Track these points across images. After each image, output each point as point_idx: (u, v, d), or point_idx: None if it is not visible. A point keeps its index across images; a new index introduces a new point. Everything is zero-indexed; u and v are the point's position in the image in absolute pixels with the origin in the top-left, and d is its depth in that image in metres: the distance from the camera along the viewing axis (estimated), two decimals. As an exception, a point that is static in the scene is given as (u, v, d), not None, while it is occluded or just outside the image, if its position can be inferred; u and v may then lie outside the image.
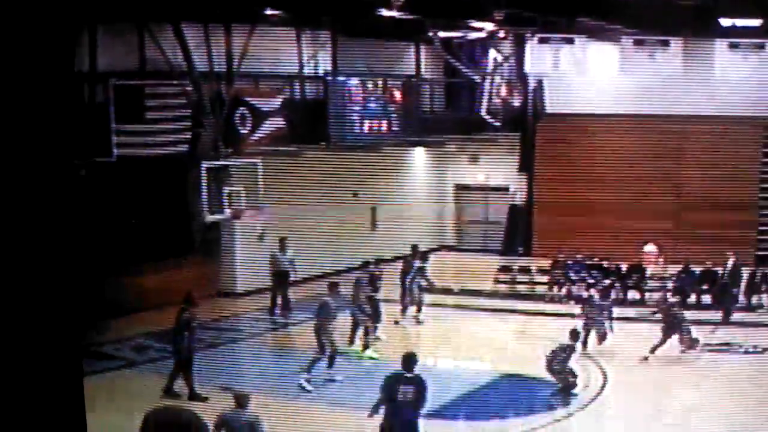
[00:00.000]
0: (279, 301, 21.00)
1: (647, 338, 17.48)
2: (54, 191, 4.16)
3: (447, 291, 22.17)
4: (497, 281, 23.61)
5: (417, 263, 20.45)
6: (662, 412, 14.59)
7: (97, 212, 17.63)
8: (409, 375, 11.37)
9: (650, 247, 23.43)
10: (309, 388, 15.68)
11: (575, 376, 15.63)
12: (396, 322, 19.83)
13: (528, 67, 26.05)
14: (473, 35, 24.72)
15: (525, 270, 23.71)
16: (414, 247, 21.05)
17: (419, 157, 28.39)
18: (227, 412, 10.91)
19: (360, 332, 18.04)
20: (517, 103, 26.85)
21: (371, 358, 17.44)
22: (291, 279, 20.97)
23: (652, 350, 17.17)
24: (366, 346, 17.84)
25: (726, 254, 21.14)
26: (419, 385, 11.35)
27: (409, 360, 11.56)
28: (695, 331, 17.63)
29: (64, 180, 4.22)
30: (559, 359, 15.50)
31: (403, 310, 20.21)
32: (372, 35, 24.34)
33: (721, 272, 21.18)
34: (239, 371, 16.76)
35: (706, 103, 23.14)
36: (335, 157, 22.62)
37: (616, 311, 18.64)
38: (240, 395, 11.21)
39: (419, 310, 20.26)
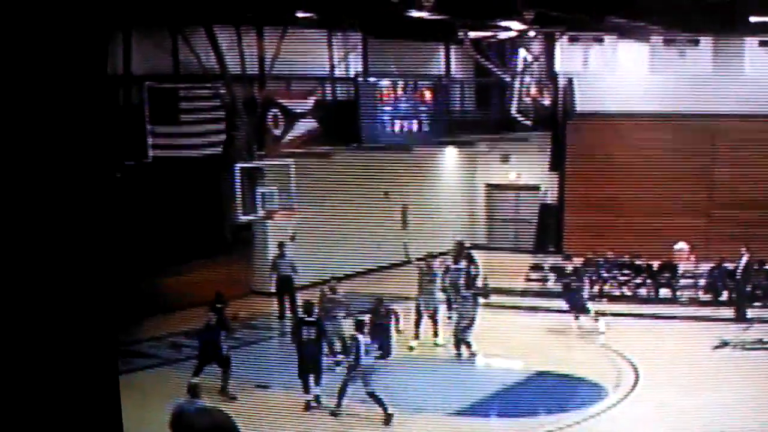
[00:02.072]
0: (287, 305, 20.51)
1: (679, 336, 17.44)
2: (91, 193, 4.23)
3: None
4: (528, 280, 23.68)
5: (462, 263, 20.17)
6: (694, 411, 14.57)
7: (133, 213, 17.85)
8: (309, 319, 14.67)
9: (681, 245, 23.36)
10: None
11: None
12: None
13: (558, 66, 26.07)
14: (503, 35, 24.72)
15: (556, 268, 23.74)
16: (459, 244, 20.68)
17: (450, 156, 28.44)
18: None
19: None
20: (547, 102, 26.85)
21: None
22: (295, 284, 20.50)
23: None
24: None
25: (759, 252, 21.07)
26: (318, 326, 14.72)
27: (309, 307, 15.05)
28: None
29: (101, 182, 4.28)
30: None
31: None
32: (402, 36, 24.41)
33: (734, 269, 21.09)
34: (271, 369, 16.92)
35: (736, 101, 23.03)
36: (366, 157, 22.77)
37: (649, 309, 18.51)
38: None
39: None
